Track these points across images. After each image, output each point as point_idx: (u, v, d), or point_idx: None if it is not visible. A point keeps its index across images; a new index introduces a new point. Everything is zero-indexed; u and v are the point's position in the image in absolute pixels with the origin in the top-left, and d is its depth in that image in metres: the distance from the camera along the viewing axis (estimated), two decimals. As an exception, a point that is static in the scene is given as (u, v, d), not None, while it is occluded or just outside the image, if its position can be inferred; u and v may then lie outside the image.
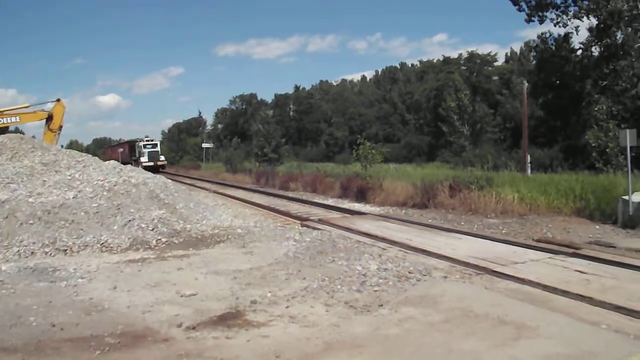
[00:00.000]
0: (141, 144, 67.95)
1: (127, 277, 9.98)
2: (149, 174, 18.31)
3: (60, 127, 33.56)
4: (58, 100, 33.85)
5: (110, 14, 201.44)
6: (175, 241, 13.38)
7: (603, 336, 6.67)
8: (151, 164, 60.69)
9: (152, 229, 13.77)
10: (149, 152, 65.72)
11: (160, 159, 66.45)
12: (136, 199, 15.23)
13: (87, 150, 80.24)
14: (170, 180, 19.03)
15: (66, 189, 14.97)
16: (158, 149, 68.70)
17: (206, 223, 15.33)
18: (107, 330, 7.06)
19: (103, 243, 12.68)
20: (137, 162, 61.42)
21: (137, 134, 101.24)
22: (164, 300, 8.51)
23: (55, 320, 7.47)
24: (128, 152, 71.58)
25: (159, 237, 13.40)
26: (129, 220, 13.92)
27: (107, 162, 19.42)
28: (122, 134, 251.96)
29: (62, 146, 33.07)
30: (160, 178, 18.23)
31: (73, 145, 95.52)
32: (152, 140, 70.67)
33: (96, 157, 20.35)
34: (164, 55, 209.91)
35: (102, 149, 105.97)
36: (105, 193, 15.01)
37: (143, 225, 13.83)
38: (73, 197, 14.46)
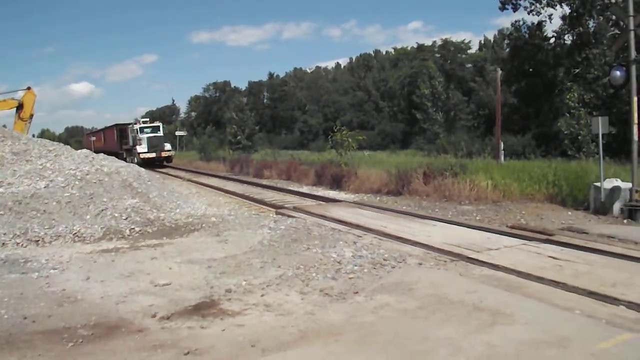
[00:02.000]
0: (136, 127, 51.23)
1: (101, 267, 9.85)
2: (122, 163, 18.09)
3: (31, 115, 32.99)
4: (28, 88, 33.25)
5: (80, 0, 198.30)
6: (149, 230, 13.25)
7: (576, 321, 6.73)
8: (152, 155, 47.50)
9: (126, 218, 13.61)
10: (148, 138, 48.59)
11: (166, 148, 49.88)
12: (109, 188, 15.03)
13: (59, 139, 78.36)
14: (143, 169, 18.83)
15: (37, 179, 14.74)
16: (161, 133, 51.93)
17: (180, 212, 15.19)
18: (80, 321, 6.98)
19: (76, 233, 12.50)
20: (130, 153, 51.11)
21: (110, 122, 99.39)
22: (137, 290, 8.42)
23: (26, 312, 7.35)
24: (116, 139, 57.02)
25: (132, 227, 13.25)
26: (102, 210, 13.73)
27: (79, 150, 19.14)
28: (95, 122, 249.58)
29: (33, 135, 32.61)
30: (133, 167, 18.02)
31: (45, 135, 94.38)
32: (152, 123, 54.91)
33: (68, 146, 20.03)
34: (137, 42, 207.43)
35: (74, 137, 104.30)
36: (77, 182, 14.79)
37: (116, 215, 13.66)
38: (44, 187, 14.25)
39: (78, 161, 16.66)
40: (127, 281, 8.93)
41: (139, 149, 48.11)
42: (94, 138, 70.65)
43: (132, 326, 6.87)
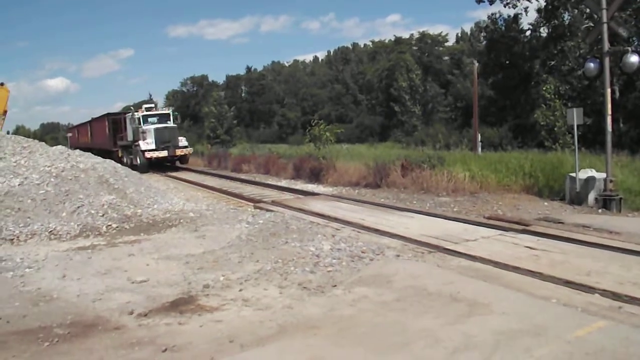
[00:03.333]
0: (138, 115, 38.70)
1: (77, 265, 9.75)
2: (98, 159, 17.90)
3: (5, 112, 32.63)
4: (2, 84, 32.85)
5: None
6: (126, 227, 13.15)
7: (553, 310, 6.80)
8: (163, 153, 36.28)
9: (102, 215, 13.50)
10: (156, 130, 36.72)
11: (181, 144, 38.08)
12: (85, 184, 14.89)
13: (34, 135, 77.49)
14: (119, 165, 18.70)
15: (11, 176, 14.54)
16: (171, 123, 39.31)
17: (157, 207, 15.09)
18: (56, 320, 6.90)
19: (51, 231, 12.36)
20: (128, 151, 40.21)
21: (86, 117, 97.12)
22: (114, 287, 8.35)
23: (1, 312, 7.25)
24: (108, 133, 44.40)
25: (109, 223, 13.14)
26: (78, 207, 13.60)
27: (55, 147, 18.94)
28: (71, 118, 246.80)
29: (8, 132, 32.06)
30: (109, 162, 17.88)
31: (19, 131, 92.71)
32: (159, 110, 43.64)
33: (43, 143, 19.81)
34: (113, 37, 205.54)
35: (50, 134, 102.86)
36: (52, 179, 14.64)
37: (93, 212, 13.54)
38: (19, 185, 14.07)
39: (53, 158, 16.48)
40: (104, 278, 8.85)
41: (143, 145, 36.16)
42: (73, 134, 60.57)
43: (109, 324, 6.80)
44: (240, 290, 8.02)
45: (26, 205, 13.19)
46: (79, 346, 6.15)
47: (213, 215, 14.61)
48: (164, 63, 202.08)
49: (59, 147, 19.14)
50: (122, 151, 41.31)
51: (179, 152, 36.96)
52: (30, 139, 20.06)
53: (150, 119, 37.71)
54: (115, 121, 43.94)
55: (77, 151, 18.64)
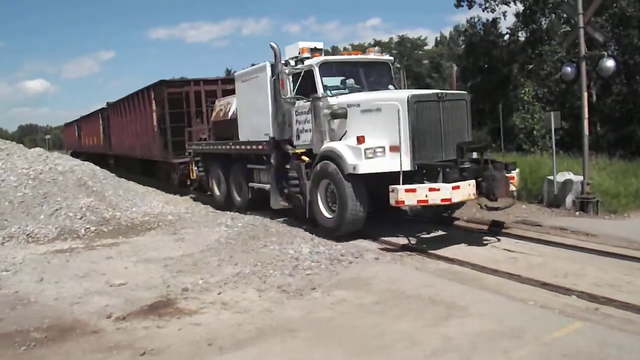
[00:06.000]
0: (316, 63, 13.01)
1: (55, 268, 9.68)
2: (76, 161, 17.76)
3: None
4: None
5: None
6: (104, 229, 13.07)
7: (531, 312, 6.87)
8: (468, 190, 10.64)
9: (81, 218, 13.39)
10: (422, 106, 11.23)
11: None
12: (63, 187, 14.77)
13: (12, 137, 76.65)
14: (98, 167, 18.56)
15: (-12, 179, 14.41)
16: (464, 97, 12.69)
17: (136, 210, 15.00)
18: (33, 324, 6.86)
19: (29, 234, 12.26)
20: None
21: (65, 120, 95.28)
22: (93, 291, 8.31)
23: (-24, 316, 7.19)
24: (154, 135, 22.96)
25: (87, 226, 13.05)
26: (56, 210, 13.48)
27: (33, 149, 18.78)
28: (50, 120, 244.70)
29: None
30: (88, 165, 17.76)
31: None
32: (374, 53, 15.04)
33: (21, 145, 19.64)
34: (94, 38, 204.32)
35: (28, 136, 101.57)
36: (30, 182, 14.51)
37: (71, 214, 13.43)
38: (-5, 187, 13.94)
39: (31, 160, 16.34)
40: (82, 282, 8.80)
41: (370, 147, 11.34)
42: (71, 131, 44.07)
43: (86, 327, 6.77)
44: (219, 293, 8.01)
45: (3, 208, 13.07)
46: (56, 350, 6.13)
47: (192, 218, 14.55)
48: (144, 65, 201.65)
49: (37, 149, 18.97)
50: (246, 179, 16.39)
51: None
52: (7, 141, 19.86)
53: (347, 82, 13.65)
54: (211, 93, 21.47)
55: (56, 153, 18.49)
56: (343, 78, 13.64)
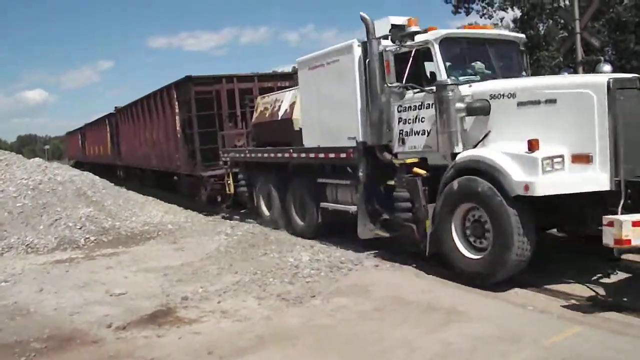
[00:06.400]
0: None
1: (54, 278, 9.70)
2: (76, 171, 17.78)
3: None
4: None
5: (32, 5, 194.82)
6: (104, 239, 13.09)
7: (530, 317, 6.85)
8: None
9: (80, 228, 13.42)
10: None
11: None
12: (63, 197, 14.81)
13: (11, 148, 76.62)
14: (98, 177, 18.59)
15: (-13, 189, 14.44)
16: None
17: (136, 220, 15.04)
18: (33, 335, 6.86)
19: (28, 244, 12.29)
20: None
21: (64, 129, 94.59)
22: (92, 300, 8.31)
23: (-24, 327, 7.20)
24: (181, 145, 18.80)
25: (87, 236, 13.08)
26: (56, 220, 13.52)
27: (32, 160, 18.81)
28: (49, 130, 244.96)
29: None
30: (87, 175, 17.78)
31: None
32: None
33: (20, 155, 19.68)
34: (93, 48, 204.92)
35: (27, 146, 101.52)
36: (29, 192, 14.55)
37: (70, 224, 13.46)
38: (-5, 198, 13.97)
39: (30, 170, 16.38)
40: (82, 292, 8.81)
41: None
42: (74, 140, 41.04)
43: (87, 337, 6.77)
44: (219, 302, 8.01)
45: (2, 218, 13.11)
46: (56, 360, 6.13)
47: (192, 227, 14.59)
48: (143, 74, 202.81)
49: (36, 159, 18.99)
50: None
51: None
52: (6, 152, 19.91)
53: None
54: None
55: (55, 163, 18.53)
56: (469, 63, 9.82)
